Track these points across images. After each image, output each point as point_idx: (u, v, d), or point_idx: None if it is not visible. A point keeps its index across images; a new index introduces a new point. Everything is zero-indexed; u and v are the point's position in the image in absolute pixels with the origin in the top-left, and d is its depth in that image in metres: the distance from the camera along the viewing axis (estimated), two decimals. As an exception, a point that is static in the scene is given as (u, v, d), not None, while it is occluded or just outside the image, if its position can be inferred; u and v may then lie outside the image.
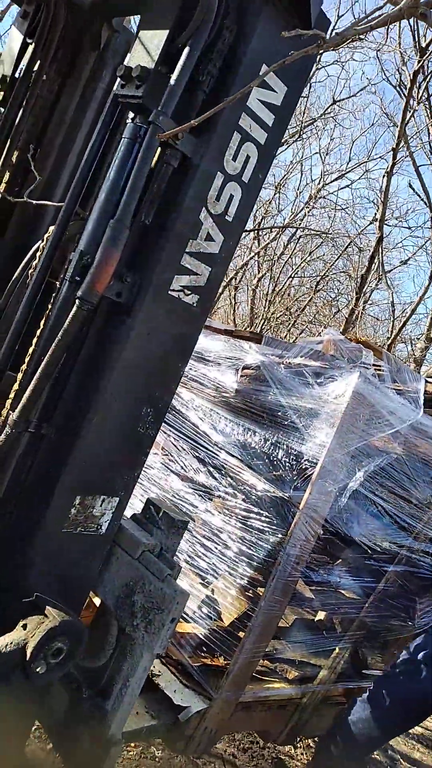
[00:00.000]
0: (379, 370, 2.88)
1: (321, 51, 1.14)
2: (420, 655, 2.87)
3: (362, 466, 2.53)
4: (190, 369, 3.01)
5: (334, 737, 3.06)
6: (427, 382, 3.21)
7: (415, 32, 8.16)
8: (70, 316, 1.59)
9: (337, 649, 2.87)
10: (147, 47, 1.65)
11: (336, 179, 14.50)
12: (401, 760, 4.90)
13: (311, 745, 4.37)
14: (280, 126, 1.82)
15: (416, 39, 8.14)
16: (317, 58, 10.06)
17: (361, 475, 2.63)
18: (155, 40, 1.65)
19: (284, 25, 1.71)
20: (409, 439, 2.69)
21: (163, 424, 3.00)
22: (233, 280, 14.87)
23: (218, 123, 1.66)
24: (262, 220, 14.68)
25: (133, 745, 3.51)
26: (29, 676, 1.62)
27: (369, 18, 1.23)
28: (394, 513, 2.75)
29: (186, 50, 1.59)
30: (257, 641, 2.48)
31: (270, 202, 14.70)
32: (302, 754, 4.32)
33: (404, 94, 6.86)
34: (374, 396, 2.49)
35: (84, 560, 1.86)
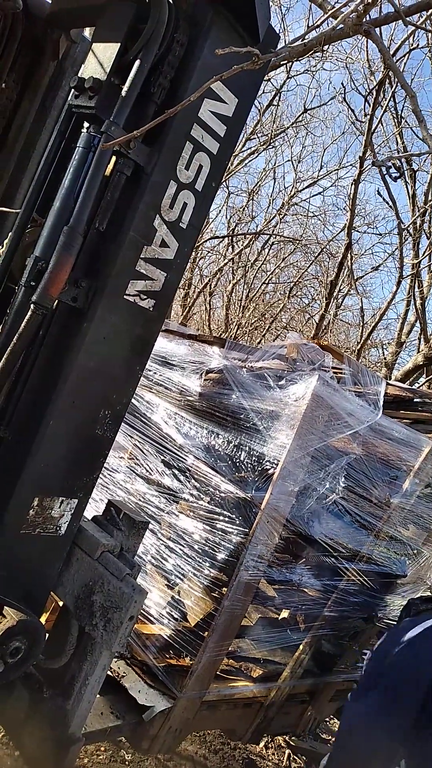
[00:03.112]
0: (340, 373, 2.95)
1: (258, 66, 1.19)
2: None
3: (328, 471, 2.59)
4: (155, 373, 3.05)
5: None
6: (388, 384, 3.30)
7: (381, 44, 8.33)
8: (25, 320, 1.62)
9: (300, 647, 2.93)
10: (100, 59, 1.70)
11: (308, 186, 14.69)
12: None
13: (282, 745, 4.42)
14: (232, 136, 1.87)
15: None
16: (288, 67, 10.20)
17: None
18: (108, 52, 1.70)
19: (234, 39, 1.77)
20: (368, 440, 2.76)
21: (128, 427, 3.05)
22: (208, 286, 14.95)
23: (170, 133, 1.72)
24: (236, 226, 14.79)
25: (102, 748, 3.52)
26: (-13, 676, 1.65)
27: (305, 36, 1.29)
28: (355, 512, 2.82)
29: (137, 63, 1.64)
30: (221, 640, 2.52)
31: (243, 209, 14.83)
32: (273, 754, 4.36)
33: (369, 104, 7.02)
34: (333, 398, 2.56)
35: (43, 561, 1.88)
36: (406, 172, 8.32)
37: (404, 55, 7.84)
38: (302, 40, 1.30)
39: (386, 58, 1.60)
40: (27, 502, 1.77)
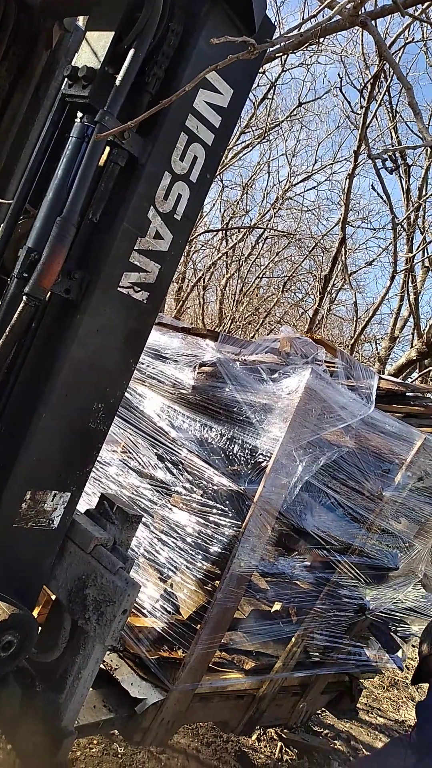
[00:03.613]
0: (333, 366, 2.95)
1: (254, 56, 1.18)
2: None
3: (315, 459, 2.60)
4: (148, 366, 3.04)
5: None
6: (380, 378, 3.30)
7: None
8: (17, 312, 1.61)
9: (293, 639, 2.94)
10: (93, 48, 1.68)
11: (302, 181, 14.67)
12: (363, 749, 5.02)
13: (274, 738, 4.44)
14: (227, 127, 1.86)
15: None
16: (283, 60, 10.16)
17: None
18: (102, 40, 1.68)
19: (229, 29, 1.75)
20: (361, 433, 2.77)
21: (121, 421, 3.04)
22: (202, 280, 14.92)
23: (164, 124, 1.70)
24: (230, 220, 14.76)
25: (95, 741, 3.53)
26: (-21, 669, 1.64)
27: (301, 27, 1.28)
28: (347, 505, 2.83)
29: (131, 52, 1.62)
30: (213, 632, 2.53)
31: (237, 203, 14.79)
32: (265, 747, 4.38)
33: (364, 97, 7.00)
34: (326, 392, 2.56)
35: (36, 555, 1.88)
36: (400, 166, 8.31)
37: (399, 49, 7.82)
38: (298, 31, 1.29)
39: (383, 50, 1.59)
40: (19, 495, 1.76)
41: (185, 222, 1.86)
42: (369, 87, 6.88)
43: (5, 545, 1.77)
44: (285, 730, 4.36)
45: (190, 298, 15.02)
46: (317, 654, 3.19)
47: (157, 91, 1.69)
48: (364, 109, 6.59)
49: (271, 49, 1.43)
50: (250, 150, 12.77)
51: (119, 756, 3.48)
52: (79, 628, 1.92)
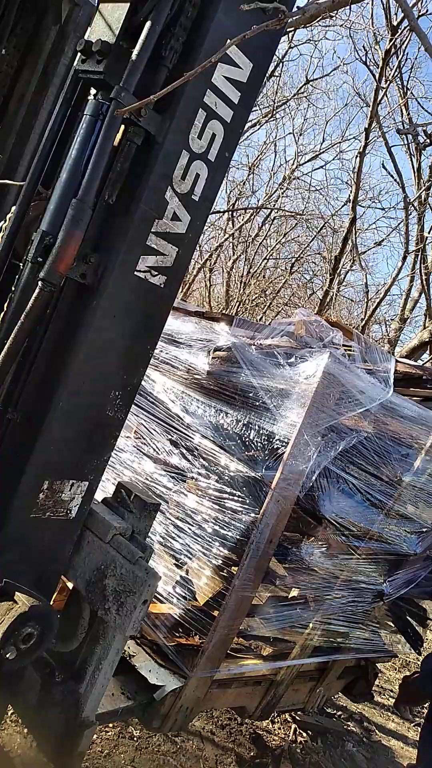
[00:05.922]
0: (350, 350, 2.90)
1: (281, 26, 1.12)
2: None
3: (333, 444, 2.55)
4: (162, 351, 2.99)
5: None
6: (397, 361, 3.24)
7: (387, 11, 8.13)
8: (33, 298, 1.56)
9: (310, 625, 2.92)
10: (108, 21, 1.61)
11: (310, 160, 14.45)
12: (376, 730, 5.05)
13: (288, 720, 4.47)
14: (246, 103, 1.79)
15: (388, 18, 8.10)
16: (290, 36, 9.94)
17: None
18: (116, 13, 1.60)
19: (248, -2, 1.68)
20: (380, 418, 2.72)
21: (134, 407, 3.00)
22: (208, 262, 14.78)
23: (182, 100, 1.64)
24: (236, 201, 14.59)
25: (111, 725, 3.54)
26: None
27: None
28: (366, 490, 2.79)
29: (148, 24, 1.55)
30: (231, 619, 2.51)
31: (244, 183, 14.60)
32: (279, 728, 4.41)
33: (375, 74, 6.82)
34: (344, 376, 2.51)
35: (54, 545, 1.85)
36: (411, 144, 8.15)
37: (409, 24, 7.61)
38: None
39: (410, 20, 1.51)
40: (37, 485, 1.72)
41: (203, 203, 1.80)
42: (381, 63, 6.71)
43: (23, 536, 1.74)
44: (299, 713, 4.38)
45: (196, 280, 14.91)
46: (334, 640, 3.17)
47: (174, 66, 1.62)
48: (375, 85, 6.44)
49: (292, 19, 1.35)
50: (257, 129, 12.57)
51: (135, 739, 3.50)
52: (98, 618, 1.90)
